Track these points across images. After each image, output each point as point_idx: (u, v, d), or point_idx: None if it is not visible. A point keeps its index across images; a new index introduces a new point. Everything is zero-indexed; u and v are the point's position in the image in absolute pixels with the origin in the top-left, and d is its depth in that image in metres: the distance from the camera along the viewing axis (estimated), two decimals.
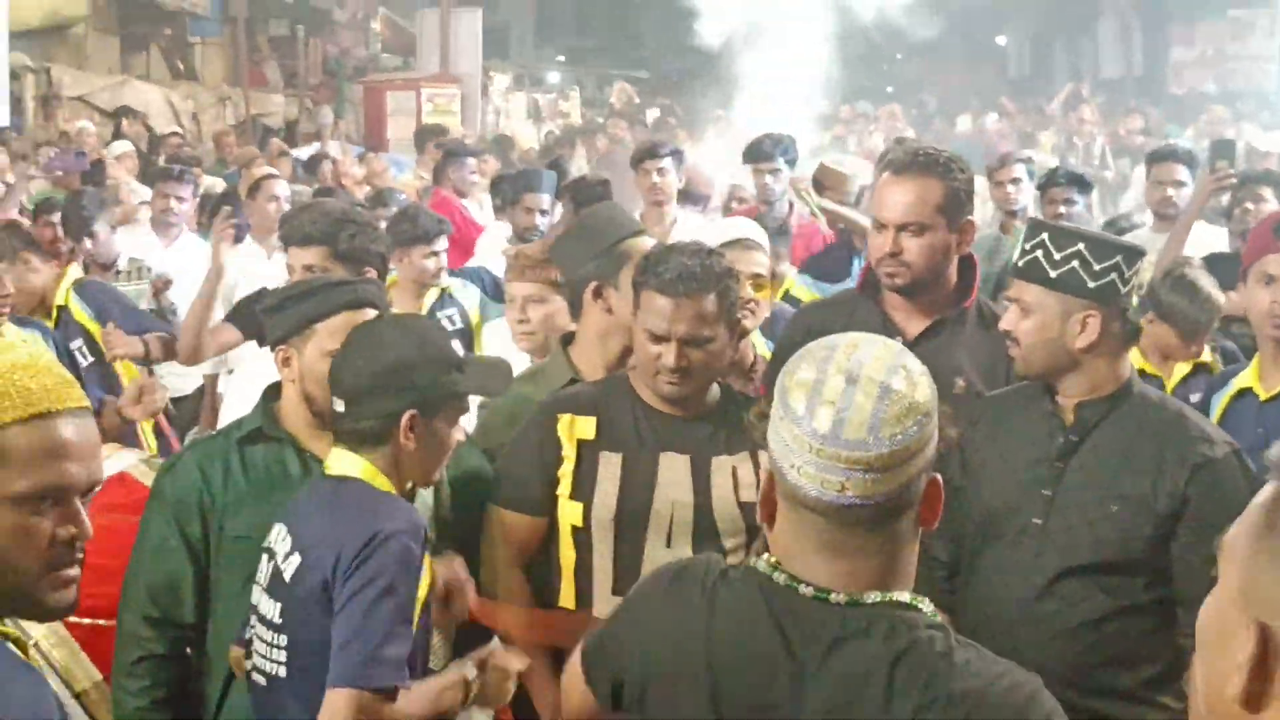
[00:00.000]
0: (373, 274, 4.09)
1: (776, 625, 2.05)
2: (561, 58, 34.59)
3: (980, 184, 11.20)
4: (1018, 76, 34.72)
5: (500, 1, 29.88)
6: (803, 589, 2.04)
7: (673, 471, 3.33)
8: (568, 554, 3.38)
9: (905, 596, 2.04)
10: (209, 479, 3.21)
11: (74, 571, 1.98)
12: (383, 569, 2.70)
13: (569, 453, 3.36)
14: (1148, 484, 3.14)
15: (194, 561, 3.20)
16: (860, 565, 2.02)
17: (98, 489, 2.04)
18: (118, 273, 6.95)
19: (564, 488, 3.36)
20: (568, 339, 3.86)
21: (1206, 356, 4.99)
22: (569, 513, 3.35)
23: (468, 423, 3.61)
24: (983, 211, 8.19)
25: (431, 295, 5.77)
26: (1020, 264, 3.24)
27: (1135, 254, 3.23)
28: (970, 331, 3.76)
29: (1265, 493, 1.30)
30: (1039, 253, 3.20)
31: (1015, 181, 7.40)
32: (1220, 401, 4.16)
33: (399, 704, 2.73)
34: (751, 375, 4.17)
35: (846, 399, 1.96)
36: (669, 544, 3.30)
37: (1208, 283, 4.88)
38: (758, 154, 7.34)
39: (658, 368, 3.27)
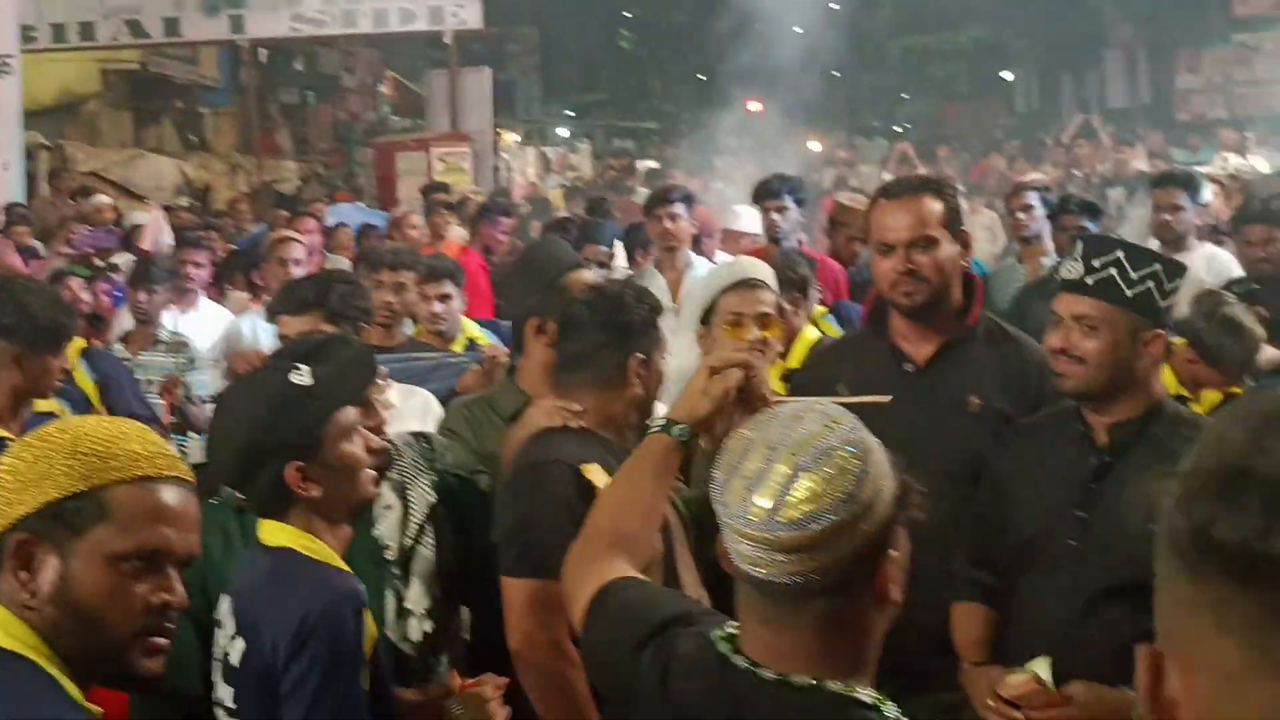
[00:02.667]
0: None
1: (728, 695, 2.01)
2: (570, 113, 34.82)
3: (990, 217, 11.24)
4: (1025, 110, 34.80)
5: (507, 60, 30.09)
6: (737, 659, 1.99)
7: None
8: None
9: (839, 686, 1.94)
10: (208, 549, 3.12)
11: (164, 641, 2.00)
12: (319, 656, 2.55)
13: None
14: None
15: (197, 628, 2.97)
16: (790, 643, 1.96)
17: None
18: (157, 342, 7.01)
19: None
20: (513, 371, 3.85)
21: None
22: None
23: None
24: (992, 243, 8.11)
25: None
26: (1089, 281, 3.19)
27: (1182, 270, 3.27)
28: (980, 350, 3.74)
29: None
30: (1114, 270, 3.17)
31: (1028, 209, 7.44)
32: None
33: None
34: None
35: (760, 476, 1.91)
36: None
37: (1249, 319, 4.83)
38: (765, 193, 7.38)
39: None
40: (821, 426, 1.94)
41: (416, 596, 3.30)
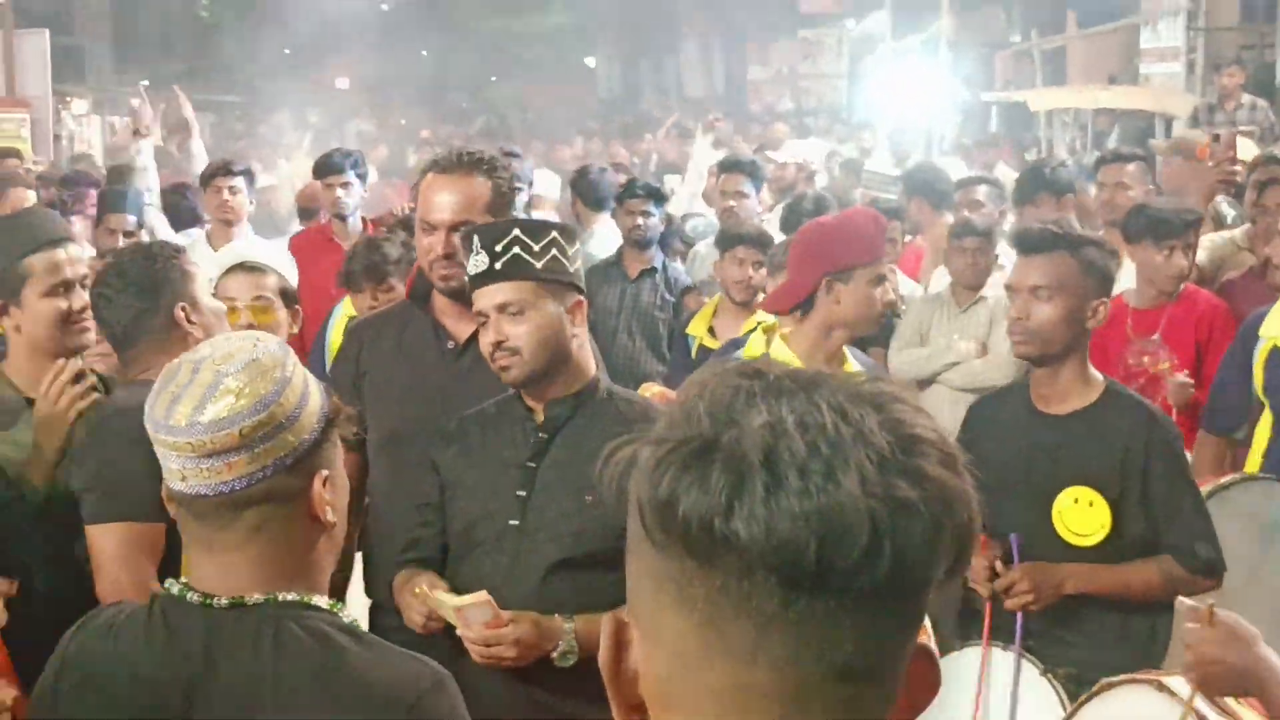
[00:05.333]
0: None
1: (169, 642, 2.01)
2: (146, 82, 33.33)
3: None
4: (608, 96, 35.60)
5: (75, 24, 28.56)
6: (190, 596, 2.02)
7: None
8: None
9: (293, 596, 2.02)
10: None
11: None
12: None
13: None
14: None
15: None
16: (235, 562, 2.02)
17: None
18: None
19: None
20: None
21: None
22: None
23: None
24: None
25: None
26: (497, 267, 3.11)
27: (575, 233, 3.37)
28: None
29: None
30: (517, 249, 3.12)
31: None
32: None
33: None
34: None
35: (185, 386, 1.97)
36: None
37: None
38: (329, 168, 7.24)
39: None
40: (248, 343, 2.03)
41: None
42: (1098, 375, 3.71)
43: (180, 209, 7.59)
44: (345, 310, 5.75)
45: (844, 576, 1.04)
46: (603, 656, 1.16)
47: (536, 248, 3.11)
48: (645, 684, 1.13)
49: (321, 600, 2.05)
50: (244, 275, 4.09)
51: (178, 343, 3.29)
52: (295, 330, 4.20)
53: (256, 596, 2.00)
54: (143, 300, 3.38)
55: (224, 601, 1.99)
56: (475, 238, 3.17)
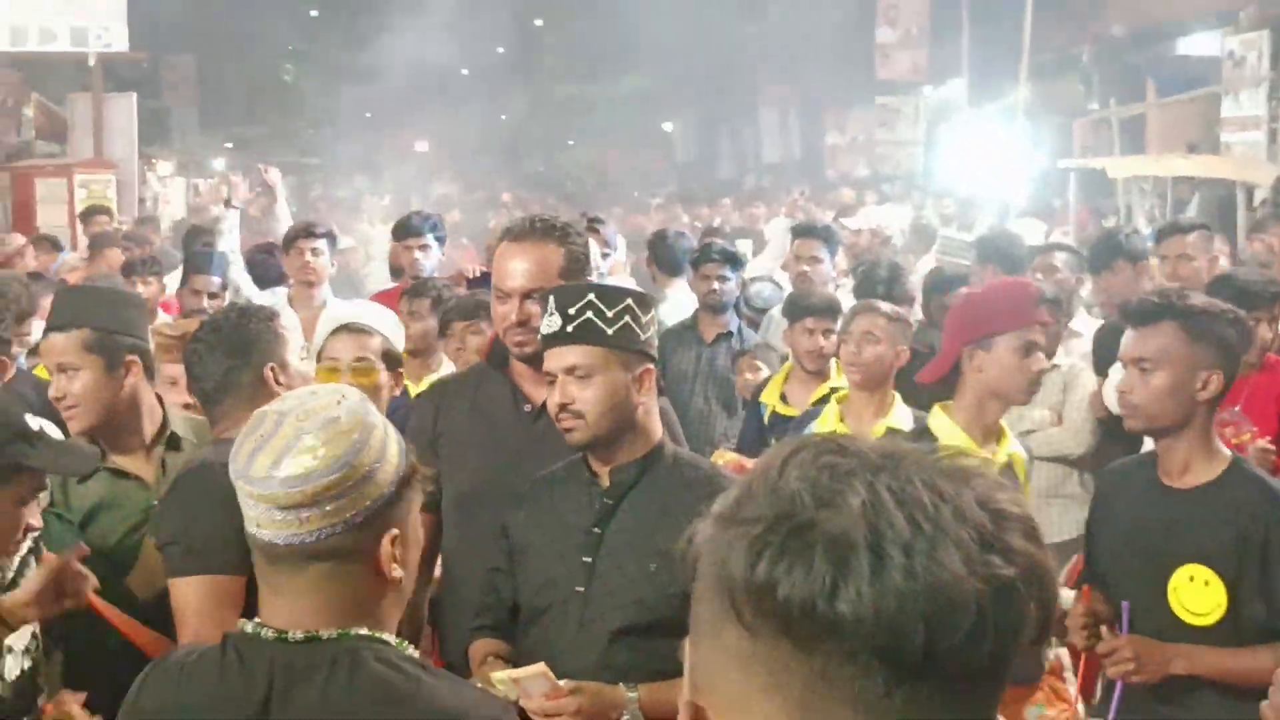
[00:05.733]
0: None
1: (242, 673, 2.07)
2: (229, 144, 33.94)
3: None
4: (685, 161, 35.77)
5: (161, 88, 29.15)
6: (264, 633, 2.07)
7: None
8: None
9: (365, 630, 2.07)
10: None
11: None
12: None
13: None
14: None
15: None
16: (304, 606, 2.07)
17: None
18: None
19: None
20: None
21: None
22: None
23: None
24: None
25: None
26: (569, 330, 3.15)
27: (653, 302, 3.38)
28: None
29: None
30: (590, 314, 3.15)
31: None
32: None
33: None
34: None
35: (268, 438, 2.04)
36: None
37: None
38: (408, 230, 7.30)
39: None
40: (331, 400, 2.09)
41: (18, 632, 3.15)
42: (1223, 450, 3.54)
43: (268, 267, 7.73)
44: None
45: (949, 656, 1.03)
46: None
47: (610, 314, 3.14)
48: None
49: (390, 637, 2.11)
50: (349, 336, 4.10)
51: (264, 402, 3.34)
52: (398, 392, 4.22)
53: (331, 631, 2.06)
54: (234, 358, 3.47)
55: (299, 635, 2.05)
56: (551, 298, 3.22)
